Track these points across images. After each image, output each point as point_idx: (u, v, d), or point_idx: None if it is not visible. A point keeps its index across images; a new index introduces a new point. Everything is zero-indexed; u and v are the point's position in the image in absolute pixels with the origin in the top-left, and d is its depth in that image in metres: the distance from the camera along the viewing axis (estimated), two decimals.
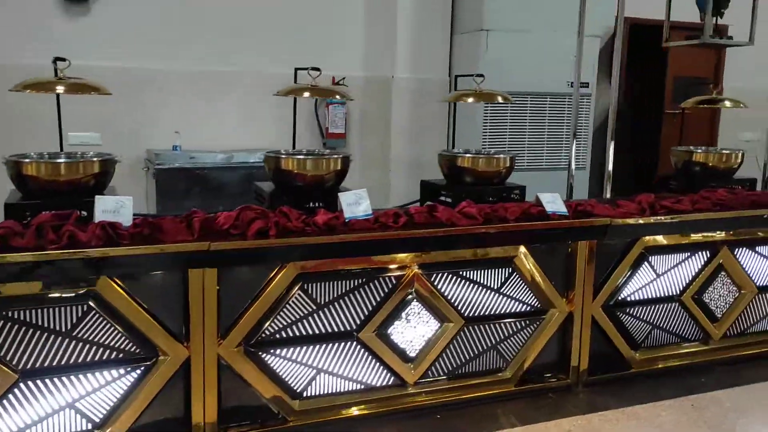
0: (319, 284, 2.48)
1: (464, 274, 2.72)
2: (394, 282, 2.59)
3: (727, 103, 3.44)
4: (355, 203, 2.44)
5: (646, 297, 3.11)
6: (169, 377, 2.29)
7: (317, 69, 2.65)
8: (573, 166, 3.38)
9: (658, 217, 2.95)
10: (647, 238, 3.01)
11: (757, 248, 3.31)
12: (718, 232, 3.16)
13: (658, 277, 3.11)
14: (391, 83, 5.14)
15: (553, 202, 2.77)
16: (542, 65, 5.12)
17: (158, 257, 2.16)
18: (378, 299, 2.58)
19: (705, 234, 3.14)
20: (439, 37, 5.21)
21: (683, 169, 3.46)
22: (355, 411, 2.59)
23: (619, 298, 3.05)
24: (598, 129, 6.48)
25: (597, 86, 6.25)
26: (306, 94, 2.65)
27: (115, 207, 2.13)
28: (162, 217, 2.27)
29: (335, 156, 2.62)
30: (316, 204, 2.55)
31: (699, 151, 3.42)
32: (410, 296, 2.63)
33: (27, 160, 2.37)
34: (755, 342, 3.40)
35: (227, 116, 4.65)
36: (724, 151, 3.38)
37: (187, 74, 4.57)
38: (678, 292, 3.17)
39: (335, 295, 2.51)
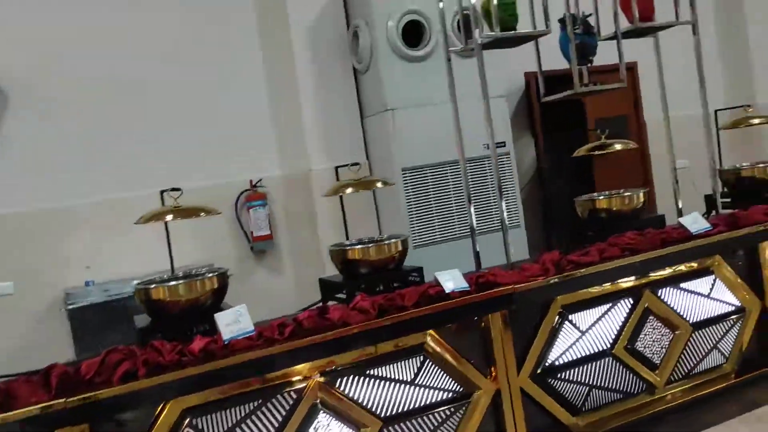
0: (209, 416, 2.29)
1: (372, 373, 2.56)
2: (295, 396, 2.42)
3: (617, 146, 3.41)
4: (234, 322, 2.30)
5: (575, 358, 2.96)
6: None
7: (178, 189, 2.57)
8: (475, 230, 3.27)
9: (566, 275, 2.85)
10: (561, 296, 2.89)
11: (681, 285, 3.20)
12: (636, 277, 3.06)
13: (584, 335, 2.97)
14: (309, 177, 5.10)
15: (452, 280, 2.66)
16: (450, 134, 5.13)
17: (12, 426, 1.97)
18: (280, 419, 2.40)
19: (622, 281, 3.03)
20: (348, 124, 5.21)
21: (590, 217, 3.39)
22: None
23: (547, 364, 2.90)
24: (530, 184, 6.51)
25: (518, 142, 6.33)
26: (169, 218, 2.55)
27: None
28: (15, 378, 2.10)
29: (209, 275, 2.50)
30: (198, 330, 2.41)
31: (601, 197, 3.37)
32: (316, 408, 2.45)
33: None
34: (704, 382, 3.24)
35: (141, 242, 4.51)
36: (625, 194, 3.33)
37: (92, 206, 4.46)
38: (608, 345, 3.03)
39: (231, 424, 2.32)
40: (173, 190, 2.55)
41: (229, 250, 5.00)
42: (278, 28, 5.03)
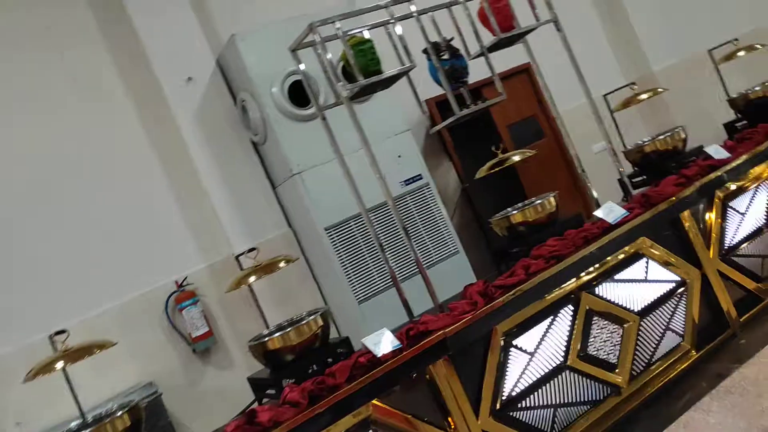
0: None
1: None
2: None
3: (516, 158, 3.37)
4: None
5: (532, 382, 2.84)
6: None
7: (63, 331, 2.37)
8: (397, 278, 3.11)
9: (497, 302, 2.74)
10: (499, 325, 2.77)
11: (616, 277, 3.13)
12: (569, 283, 2.97)
13: (533, 356, 2.86)
14: (234, 261, 4.91)
15: (381, 342, 2.51)
16: (368, 179, 5.06)
17: None
18: None
19: (557, 290, 2.94)
20: (262, 197, 5.07)
21: (510, 234, 3.31)
22: None
23: (504, 397, 2.76)
24: (459, 206, 6.46)
25: (439, 168, 6.30)
26: (59, 365, 2.34)
27: None
28: None
29: (119, 413, 2.28)
30: None
31: (514, 212, 3.29)
32: None
33: None
34: (666, 367, 3.15)
35: (72, 378, 4.24)
36: (536, 202, 3.26)
37: (11, 356, 4.17)
38: (561, 359, 2.92)
39: None
40: (58, 333, 2.35)
41: (171, 360, 4.75)
42: (163, 121, 4.89)
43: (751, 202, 3.68)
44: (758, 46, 4.33)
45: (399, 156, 5.22)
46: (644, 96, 3.82)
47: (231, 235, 4.93)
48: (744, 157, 3.59)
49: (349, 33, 2.97)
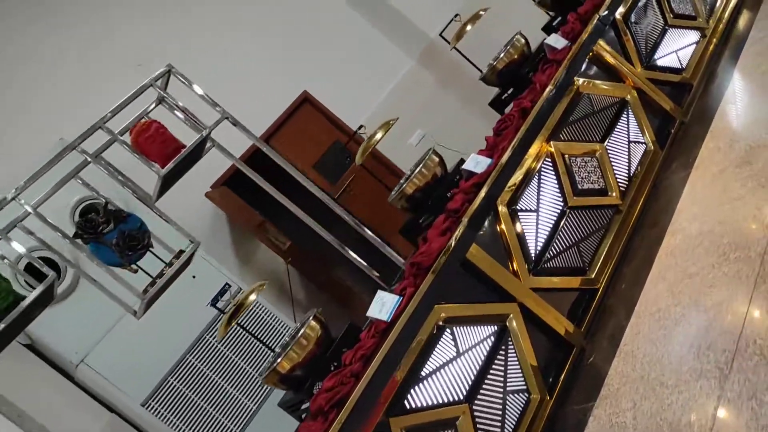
0: None
1: None
2: None
3: (252, 296, 2.73)
4: None
5: None
6: None
7: None
8: None
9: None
10: None
11: (422, 373, 2.57)
12: (367, 422, 2.40)
13: None
14: None
15: None
16: (167, 323, 4.38)
17: None
18: None
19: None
20: (61, 399, 4.28)
21: (287, 385, 2.66)
22: None
23: None
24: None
25: (256, 255, 5.65)
26: None
27: None
28: None
29: None
30: None
31: (279, 359, 2.60)
32: None
33: None
34: None
35: None
36: (299, 334, 2.54)
37: None
38: None
39: None
40: None
41: None
42: None
43: (539, 190, 3.23)
44: (482, 12, 3.89)
45: (193, 276, 4.55)
46: (379, 135, 3.28)
47: None
48: (509, 152, 3.12)
49: None
